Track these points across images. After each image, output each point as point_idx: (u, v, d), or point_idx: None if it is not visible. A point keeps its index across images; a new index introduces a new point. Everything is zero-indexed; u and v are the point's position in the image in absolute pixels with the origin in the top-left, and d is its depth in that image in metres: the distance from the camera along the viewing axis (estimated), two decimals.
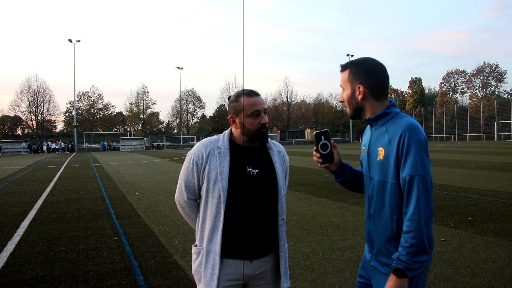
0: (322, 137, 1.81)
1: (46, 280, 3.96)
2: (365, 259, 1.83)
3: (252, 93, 1.91)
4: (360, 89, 1.71)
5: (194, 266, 1.92)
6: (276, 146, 2.03)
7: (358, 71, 1.72)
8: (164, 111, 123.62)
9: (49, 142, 54.06)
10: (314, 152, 1.83)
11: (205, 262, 1.85)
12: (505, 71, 70.34)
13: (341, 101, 1.83)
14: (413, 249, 1.50)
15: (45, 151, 50.54)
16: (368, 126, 1.84)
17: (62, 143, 53.75)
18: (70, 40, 55.98)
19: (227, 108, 2.00)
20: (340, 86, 1.82)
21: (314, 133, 1.84)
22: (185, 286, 3.73)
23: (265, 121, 1.90)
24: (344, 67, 1.80)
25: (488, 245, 4.73)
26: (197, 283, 1.90)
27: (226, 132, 1.98)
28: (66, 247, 5.10)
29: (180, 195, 1.97)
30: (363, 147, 1.84)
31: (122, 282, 3.85)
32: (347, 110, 1.81)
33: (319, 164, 1.83)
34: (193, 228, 2.01)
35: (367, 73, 1.71)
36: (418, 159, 1.53)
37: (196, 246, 1.94)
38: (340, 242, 5.02)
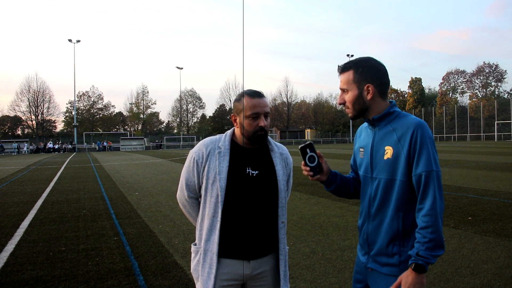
0: (308, 150, 1.79)
1: (46, 280, 3.96)
2: (360, 262, 1.81)
3: (254, 94, 1.89)
4: (370, 89, 1.68)
5: (192, 264, 1.93)
6: (278, 148, 2.01)
7: (364, 71, 1.69)
8: (164, 111, 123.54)
9: (50, 142, 53.82)
10: (302, 167, 1.78)
11: (202, 261, 1.85)
12: (505, 71, 70.30)
13: (341, 103, 1.77)
14: (432, 243, 1.52)
15: (26, 151, 49.22)
16: (364, 127, 1.83)
17: (54, 145, 52.33)
18: (70, 40, 56.10)
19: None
20: (341, 88, 1.75)
21: (298, 148, 1.80)
22: (185, 286, 3.73)
23: (263, 124, 1.86)
24: (346, 68, 1.74)
25: (488, 245, 4.73)
26: (195, 282, 1.91)
27: (229, 132, 1.98)
28: (66, 247, 5.10)
29: (181, 193, 1.98)
30: (361, 149, 1.80)
31: (122, 282, 3.85)
32: (349, 111, 1.75)
33: (310, 177, 1.79)
34: (194, 227, 2.02)
35: (374, 73, 1.69)
36: (431, 155, 1.57)
37: (195, 244, 1.94)
38: (340, 242, 5.02)
